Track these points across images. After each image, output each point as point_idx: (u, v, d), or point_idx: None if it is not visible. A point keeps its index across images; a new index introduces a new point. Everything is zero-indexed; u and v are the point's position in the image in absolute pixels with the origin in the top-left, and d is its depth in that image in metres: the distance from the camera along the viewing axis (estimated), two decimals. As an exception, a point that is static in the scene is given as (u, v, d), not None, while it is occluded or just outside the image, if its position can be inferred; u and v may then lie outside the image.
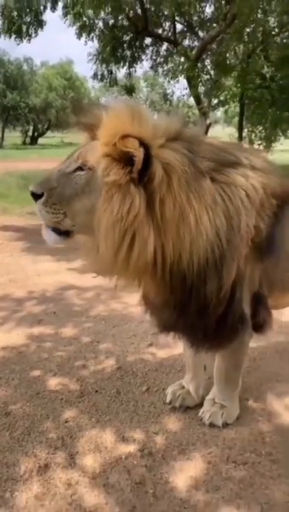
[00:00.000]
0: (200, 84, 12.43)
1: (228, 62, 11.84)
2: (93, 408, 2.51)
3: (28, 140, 42.64)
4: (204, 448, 2.19)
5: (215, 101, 13.70)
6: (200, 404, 2.46)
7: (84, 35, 11.80)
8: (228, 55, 12.19)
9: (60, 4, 10.40)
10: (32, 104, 37.44)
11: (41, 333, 3.47)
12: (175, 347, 3.07)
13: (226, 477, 2.01)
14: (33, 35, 11.12)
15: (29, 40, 11.12)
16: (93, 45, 15.12)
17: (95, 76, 17.13)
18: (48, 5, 10.64)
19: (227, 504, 1.86)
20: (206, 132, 13.85)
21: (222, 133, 21.70)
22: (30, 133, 43.55)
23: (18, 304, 4.11)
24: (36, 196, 1.83)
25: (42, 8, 10.90)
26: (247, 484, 1.97)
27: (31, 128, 43.41)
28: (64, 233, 1.90)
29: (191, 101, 16.91)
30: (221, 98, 12.91)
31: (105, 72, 17.28)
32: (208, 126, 13.80)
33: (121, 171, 1.67)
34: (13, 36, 10.90)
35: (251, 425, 2.36)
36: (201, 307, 1.93)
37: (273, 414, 2.47)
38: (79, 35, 11.63)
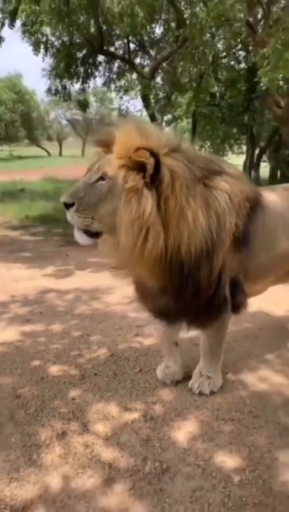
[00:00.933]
0: (154, 101, 13.09)
1: (181, 82, 12.61)
2: (95, 387, 2.83)
3: (-24, 153, 41.76)
4: (197, 411, 2.58)
5: (168, 117, 14.45)
6: (187, 378, 2.86)
7: (42, 51, 12.09)
8: (180, 74, 12.98)
9: (19, 22, 10.63)
10: (-20, 117, 36.87)
11: (33, 330, 3.73)
12: (158, 336, 3.46)
13: (218, 431, 2.41)
14: (-8, 50, 11.31)
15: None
16: (47, 60, 15.48)
17: (49, 91, 17.36)
18: (6, 22, 10.87)
19: (221, 449, 2.26)
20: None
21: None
22: (-22, 146, 42.69)
23: (3, 306, 4.33)
24: (68, 205, 2.18)
25: (0, 24, 11.11)
26: (235, 434, 2.38)
27: (-21, 141, 42.58)
28: (94, 234, 2.25)
29: (144, 115, 17.58)
30: (175, 114, 13.65)
31: (59, 87, 17.56)
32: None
33: (136, 177, 2.06)
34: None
35: (233, 392, 2.79)
36: (195, 290, 2.34)
37: (250, 384, 2.91)
38: (36, 52, 11.90)
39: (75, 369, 3.07)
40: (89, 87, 18.05)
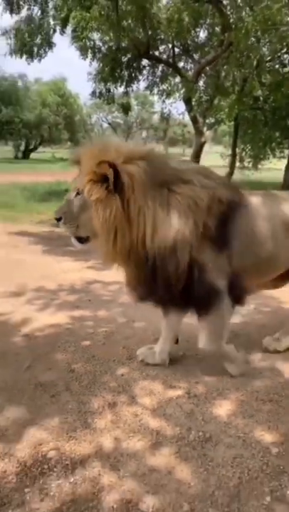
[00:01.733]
0: (197, 104, 13.26)
1: (224, 85, 12.72)
2: (141, 367, 3.06)
3: (20, 154, 43.18)
4: (237, 392, 2.76)
5: (211, 120, 14.55)
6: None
7: (89, 55, 12.53)
8: (224, 78, 13.09)
9: (68, 28, 11.08)
10: (26, 120, 38.07)
11: (81, 315, 4.01)
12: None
13: (257, 409, 2.58)
14: (43, 55, 11.85)
15: (39, 60, 11.85)
16: (91, 64, 15.99)
17: (93, 94, 17.86)
18: (58, 28, 11.37)
19: (260, 425, 2.43)
20: (201, 149, 14.64)
21: (209, 151, 22.55)
22: (22, 147, 44.10)
23: (54, 294, 4.65)
24: (58, 220, 2.69)
25: (52, 31, 11.62)
26: (274, 413, 2.54)
27: (23, 143, 43.99)
28: (84, 239, 2.73)
29: (186, 119, 17.76)
30: (217, 117, 13.74)
31: (103, 91, 18.02)
32: (202, 144, 14.60)
33: (100, 189, 2.44)
34: (25, 56, 11.64)
35: (272, 378, 2.95)
36: (164, 283, 2.60)
37: (282, 372, 3.05)
38: (84, 56, 12.35)
39: (123, 350, 3.31)
40: (132, 90, 18.42)
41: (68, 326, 3.76)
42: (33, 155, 43.56)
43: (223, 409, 2.58)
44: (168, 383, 2.85)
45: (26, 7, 11.71)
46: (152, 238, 2.48)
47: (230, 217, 2.70)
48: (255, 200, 2.95)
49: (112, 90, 18.53)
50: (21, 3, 11.57)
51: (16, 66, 48.76)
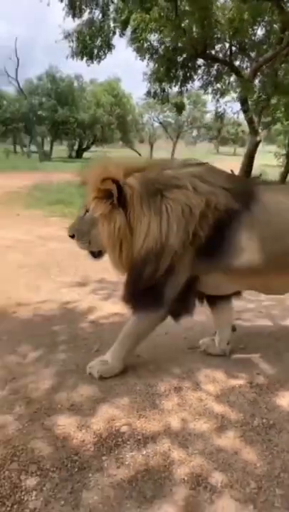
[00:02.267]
0: (253, 103, 13.15)
1: (283, 84, 12.53)
2: (203, 356, 3.20)
3: (73, 154, 44.43)
4: (299, 385, 2.83)
5: (266, 119, 14.36)
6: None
7: (147, 56, 12.79)
8: (283, 76, 12.89)
9: (128, 30, 11.37)
10: (80, 120, 39.10)
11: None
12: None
13: None
14: (103, 57, 12.25)
15: (99, 61, 12.26)
16: (148, 64, 16.22)
17: (148, 94, 18.11)
18: (118, 30, 11.71)
19: None
20: (256, 148, 14.49)
21: (262, 150, 22.12)
22: (75, 147, 45.34)
23: (115, 285, 4.84)
24: (71, 237, 2.88)
25: (111, 33, 11.98)
26: None
27: (77, 142, 45.21)
28: (97, 254, 2.93)
29: (241, 118, 17.59)
30: (274, 116, 13.56)
31: (158, 90, 18.19)
32: (257, 143, 14.44)
33: (104, 205, 2.61)
34: (85, 58, 12.08)
35: None
36: (135, 281, 2.73)
37: None
38: (142, 57, 12.62)
39: (184, 340, 3.46)
40: (187, 90, 18.48)
41: (131, 316, 3.94)
42: (85, 154, 44.63)
43: (285, 399, 2.66)
44: (230, 373, 2.96)
45: (88, 11, 12.14)
46: (142, 243, 2.62)
47: (228, 225, 2.66)
48: (271, 203, 2.78)
49: (166, 90, 18.66)
50: (83, 7, 11.99)
51: (74, 67, 50.11)
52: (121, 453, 2.20)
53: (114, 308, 4.10)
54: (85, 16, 12.28)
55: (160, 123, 51.85)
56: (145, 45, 12.12)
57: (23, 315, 3.93)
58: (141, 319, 2.87)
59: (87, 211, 2.78)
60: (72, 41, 12.30)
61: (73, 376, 2.89)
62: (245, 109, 13.07)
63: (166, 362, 3.10)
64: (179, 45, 14.65)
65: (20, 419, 2.42)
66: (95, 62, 12.32)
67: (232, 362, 3.12)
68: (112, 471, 2.08)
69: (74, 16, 12.13)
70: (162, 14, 10.46)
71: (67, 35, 12.35)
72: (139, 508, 1.88)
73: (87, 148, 46.30)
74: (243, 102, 12.91)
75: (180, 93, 18.60)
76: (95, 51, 12.22)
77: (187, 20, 11.86)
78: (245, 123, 15.99)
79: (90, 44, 12.00)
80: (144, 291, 2.72)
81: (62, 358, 3.14)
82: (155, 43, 13.19)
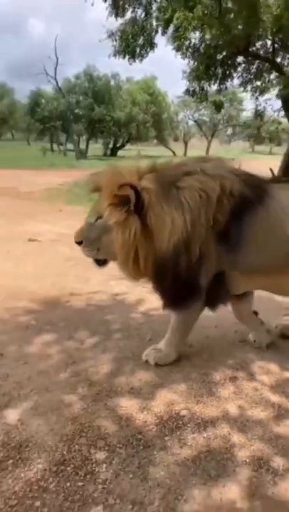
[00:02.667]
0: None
1: None
2: (256, 350, 3.25)
3: (108, 152, 44.88)
4: None
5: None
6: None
7: (188, 54, 12.83)
8: None
9: (171, 28, 11.45)
10: (116, 118, 39.47)
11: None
12: None
13: None
14: (145, 55, 12.38)
15: (141, 60, 12.41)
16: (185, 62, 16.22)
17: (186, 92, 18.10)
18: (160, 29, 11.82)
19: None
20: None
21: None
22: (110, 145, 45.78)
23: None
24: (78, 243, 2.81)
25: (154, 31, 12.09)
26: None
27: (112, 141, 45.63)
28: (102, 262, 2.91)
29: (282, 115, 17.34)
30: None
31: (197, 89, 18.15)
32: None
33: (119, 212, 2.55)
34: (127, 57, 12.27)
35: None
36: (174, 276, 2.67)
37: None
38: (183, 56, 12.67)
39: (235, 334, 3.52)
40: (226, 88, 18.36)
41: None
42: (120, 152, 45.00)
43: None
44: (283, 366, 3.01)
45: (130, 10, 12.29)
46: (169, 240, 2.58)
47: (243, 213, 2.65)
48: (286, 201, 2.78)
49: (205, 88, 18.57)
50: (126, 6, 12.15)
51: (111, 66, 50.52)
52: (182, 434, 2.30)
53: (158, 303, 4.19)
54: (128, 15, 12.46)
55: (195, 121, 51.66)
56: (186, 43, 12.12)
57: (76, 304, 4.10)
58: (184, 314, 2.95)
59: (98, 218, 2.73)
60: (116, 40, 12.49)
61: (130, 362, 3.01)
62: (286, 108, 12.88)
63: (219, 353, 3.18)
64: (220, 42, 14.60)
65: (84, 399, 2.56)
66: (136, 60, 12.46)
67: (285, 356, 3.17)
68: (175, 450, 2.18)
69: (117, 15, 12.30)
70: (206, 12, 10.46)
71: (111, 35, 12.55)
72: (204, 484, 1.98)
73: (122, 146, 46.66)
74: (285, 100, 12.73)
75: (219, 91, 18.49)
76: (137, 50, 12.36)
77: (231, 17, 11.78)
78: (285, 121, 15.77)
79: (133, 43, 12.14)
80: (181, 286, 2.73)
81: (118, 345, 3.26)
82: (196, 41, 13.18)
